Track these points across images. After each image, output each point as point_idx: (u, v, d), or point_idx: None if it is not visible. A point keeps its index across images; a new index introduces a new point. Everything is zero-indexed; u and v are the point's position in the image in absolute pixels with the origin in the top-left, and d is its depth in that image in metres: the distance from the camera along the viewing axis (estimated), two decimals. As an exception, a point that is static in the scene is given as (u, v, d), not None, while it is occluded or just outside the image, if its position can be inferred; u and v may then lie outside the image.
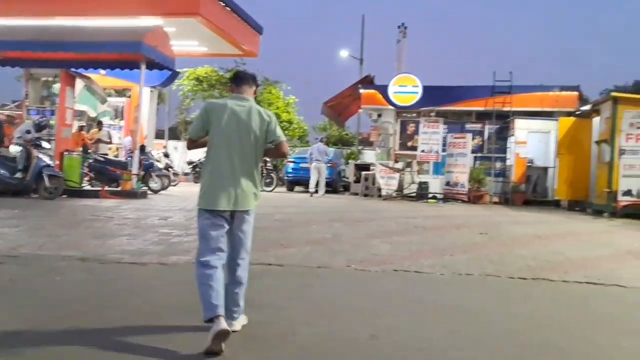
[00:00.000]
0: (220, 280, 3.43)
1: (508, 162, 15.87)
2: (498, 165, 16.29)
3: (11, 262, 5.52)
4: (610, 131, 11.94)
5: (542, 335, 3.87)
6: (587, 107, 14.73)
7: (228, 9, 13.90)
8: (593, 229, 9.36)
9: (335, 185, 17.60)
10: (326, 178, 16.97)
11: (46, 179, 11.08)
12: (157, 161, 15.86)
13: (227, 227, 3.57)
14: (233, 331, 3.38)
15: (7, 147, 11.71)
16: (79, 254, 5.95)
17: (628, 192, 11.32)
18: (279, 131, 3.72)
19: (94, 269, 5.43)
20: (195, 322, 3.49)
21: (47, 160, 11.33)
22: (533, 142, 15.57)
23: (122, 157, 14.91)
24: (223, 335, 3.14)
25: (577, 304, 4.94)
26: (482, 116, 16.86)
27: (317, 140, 32.19)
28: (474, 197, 14.83)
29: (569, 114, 15.22)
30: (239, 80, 3.79)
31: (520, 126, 15.41)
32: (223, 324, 3.19)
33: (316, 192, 16.34)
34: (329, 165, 16.87)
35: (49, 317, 3.84)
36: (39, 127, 11.65)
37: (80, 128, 14.79)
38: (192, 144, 3.78)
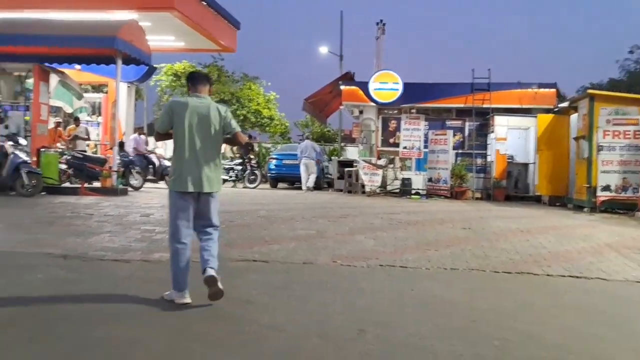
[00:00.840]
0: (188, 256, 4.16)
1: (489, 159, 16.00)
2: (479, 161, 16.38)
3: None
4: (588, 128, 12.09)
5: (526, 327, 3.91)
6: (565, 104, 14.88)
7: (204, 3, 13.69)
8: (574, 223, 9.47)
9: (319, 182, 17.58)
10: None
11: (25, 176, 10.86)
12: (153, 153, 15.78)
13: (193, 206, 4.19)
14: (211, 276, 4.07)
15: None
16: (60, 252, 5.86)
17: (607, 188, 11.47)
18: (234, 123, 4.34)
19: (76, 266, 5.34)
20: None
21: (23, 156, 11.10)
22: (513, 138, 15.71)
23: (131, 155, 14.78)
24: (184, 305, 4.05)
25: (560, 296, 5.00)
26: (462, 113, 16.94)
27: (299, 137, 32.29)
28: (456, 193, 14.91)
29: (548, 110, 15.38)
30: (194, 80, 4.38)
31: (500, 123, 15.54)
32: (187, 298, 4.11)
33: (308, 188, 16.50)
34: (315, 161, 16.95)
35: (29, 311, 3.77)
36: None
37: (57, 124, 14.53)
38: (160, 137, 4.42)
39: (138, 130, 17.10)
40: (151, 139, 16.30)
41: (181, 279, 4.14)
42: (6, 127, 11.11)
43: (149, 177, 15.45)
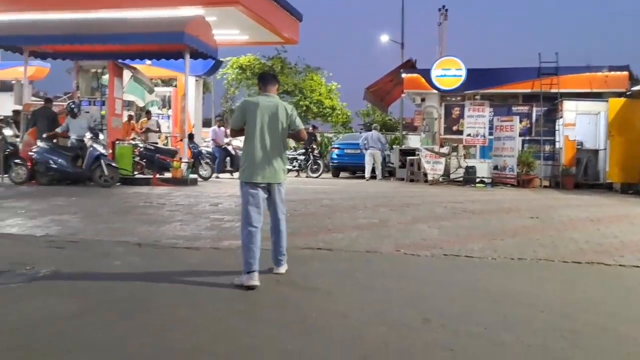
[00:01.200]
0: (259, 239, 4.53)
1: (557, 145, 15.45)
2: (547, 148, 15.86)
3: (71, 248, 5.79)
4: (664, 111, 11.48)
5: (597, 319, 3.81)
6: (638, 88, 14.16)
7: (267, -4, 13.98)
8: (648, 212, 9.05)
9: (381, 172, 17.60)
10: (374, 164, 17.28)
11: (105, 168, 11.48)
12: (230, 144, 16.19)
13: (264, 195, 4.65)
14: (278, 273, 4.73)
15: (67, 137, 12.14)
16: (135, 240, 6.18)
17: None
18: (298, 121, 4.83)
19: (150, 253, 5.63)
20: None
21: (100, 149, 11.71)
22: (582, 124, 15.07)
23: (209, 147, 15.30)
24: (252, 288, 4.30)
25: (633, 287, 4.83)
26: (528, 98, 16.41)
27: (360, 127, 32.25)
28: (523, 181, 14.51)
29: (619, 94, 14.65)
30: (265, 80, 4.89)
31: (569, 108, 14.95)
32: (255, 280, 4.36)
33: (373, 177, 16.62)
34: (380, 152, 17.12)
35: (108, 297, 4.04)
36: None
37: (130, 118, 15.21)
38: (234, 133, 5.03)
39: (217, 122, 17.55)
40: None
41: (252, 261, 4.45)
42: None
43: (227, 168, 15.88)
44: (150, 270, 4.97)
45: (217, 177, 15.25)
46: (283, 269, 4.83)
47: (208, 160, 14.86)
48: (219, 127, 16.48)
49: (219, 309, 3.87)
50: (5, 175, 12.23)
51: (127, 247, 5.84)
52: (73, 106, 12.20)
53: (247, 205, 4.59)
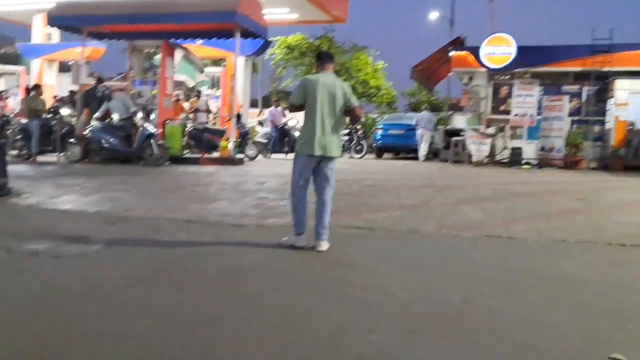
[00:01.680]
0: (306, 205, 4.97)
1: (607, 126, 14.98)
2: (596, 128, 15.41)
3: (123, 224, 6.05)
4: None
5: (641, 302, 3.79)
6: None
7: (317, -26, 13.98)
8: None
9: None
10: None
11: (155, 147, 11.85)
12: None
13: (314, 167, 4.94)
14: (319, 251, 4.85)
15: (110, 118, 12.57)
16: (184, 216, 6.42)
17: None
18: (353, 99, 5.08)
19: (198, 230, 5.86)
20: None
21: (151, 129, 12.08)
22: (635, 103, 14.53)
23: (267, 128, 15.52)
24: (300, 248, 4.84)
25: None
26: (580, 77, 15.94)
27: (405, 107, 31.89)
28: (571, 163, 14.20)
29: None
30: (322, 59, 5.17)
31: (621, 87, 14.45)
32: (303, 242, 4.90)
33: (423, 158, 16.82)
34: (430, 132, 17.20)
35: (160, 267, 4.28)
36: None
37: (177, 98, 15.57)
38: (293, 108, 5.25)
39: (275, 102, 17.76)
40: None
41: (301, 223, 4.91)
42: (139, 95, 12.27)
43: (285, 149, 16.11)
44: (198, 246, 5.17)
45: (269, 157, 15.48)
46: (324, 244, 4.93)
47: (255, 140, 15.09)
48: (276, 107, 16.65)
49: (263, 283, 4.04)
50: (62, 154, 12.80)
51: (176, 224, 6.04)
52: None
53: (299, 174, 4.95)
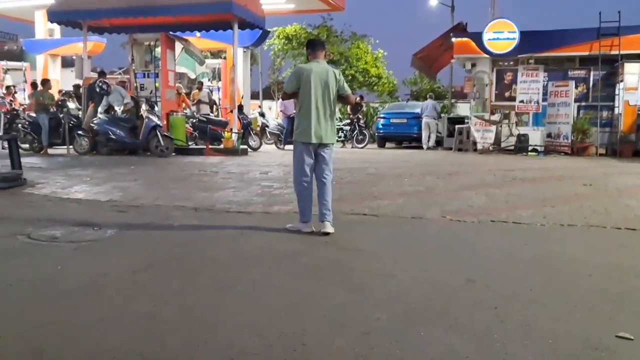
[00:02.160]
0: (311, 193, 5.10)
1: (616, 111, 14.85)
2: (604, 114, 15.25)
3: (133, 212, 6.14)
4: None
5: (646, 284, 3.78)
6: None
7: (314, -38, 13.93)
8: None
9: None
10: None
11: (160, 138, 11.96)
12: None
13: (312, 154, 5.07)
14: (325, 232, 4.94)
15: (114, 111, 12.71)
16: (191, 204, 6.48)
17: None
18: (346, 86, 5.26)
19: (206, 217, 5.91)
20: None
21: (156, 120, 12.16)
22: (645, 88, 14.41)
23: (280, 119, 15.55)
24: (310, 232, 4.99)
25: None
26: (586, 62, 15.74)
27: (407, 96, 31.75)
28: (578, 149, 14.09)
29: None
30: (314, 47, 5.27)
31: (631, 71, 14.26)
32: (309, 228, 5.04)
33: (428, 147, 16.91)
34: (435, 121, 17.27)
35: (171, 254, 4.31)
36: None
37: (179, 91, 15.59)
38: (286, 96, 5.46)
39: None
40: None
41: (306, 211, 5.08)
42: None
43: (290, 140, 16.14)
44: (206, 232, 5.24)
45: (283, 148, 15.50)
46: (329, 227, 4.99)
47: (257, 131, 15.16)
48: None
49: (269, 267, 4.06)
50: (70, 146, 12.94)
51: (185, 211, 6.14)
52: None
53: (301, 162, 5.07)
